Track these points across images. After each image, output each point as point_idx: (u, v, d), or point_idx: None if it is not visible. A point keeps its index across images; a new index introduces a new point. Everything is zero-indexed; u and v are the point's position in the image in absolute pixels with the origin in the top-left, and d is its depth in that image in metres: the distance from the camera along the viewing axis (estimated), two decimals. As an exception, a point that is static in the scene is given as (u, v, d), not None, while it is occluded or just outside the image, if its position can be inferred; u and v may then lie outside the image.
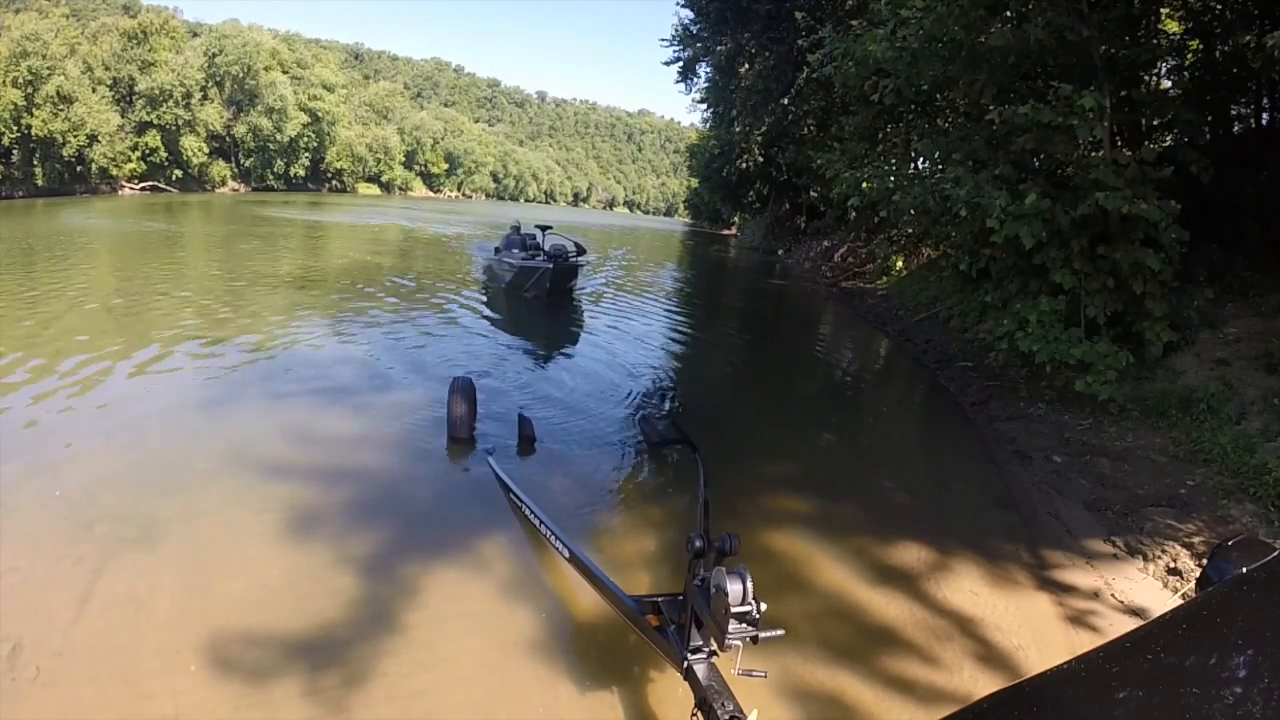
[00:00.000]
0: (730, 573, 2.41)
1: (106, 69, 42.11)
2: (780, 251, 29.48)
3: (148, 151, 42.94)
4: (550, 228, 13.19)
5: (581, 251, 12.42)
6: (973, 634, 3.62)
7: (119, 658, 2.88)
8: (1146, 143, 7.74)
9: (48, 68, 36.20)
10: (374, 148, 66.68)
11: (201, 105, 46.27)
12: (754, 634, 2.36)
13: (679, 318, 13.30)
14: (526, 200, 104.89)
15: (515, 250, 12.60)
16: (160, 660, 2.89)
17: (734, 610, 2.35)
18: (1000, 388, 8.04)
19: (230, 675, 2.85)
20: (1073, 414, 6.85)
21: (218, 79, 48.54)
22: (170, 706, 2.67)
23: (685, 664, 2.65)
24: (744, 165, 30.46)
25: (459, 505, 4.55)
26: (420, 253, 21.19)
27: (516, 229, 13.46)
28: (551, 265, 10.82)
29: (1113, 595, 4.03)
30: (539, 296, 11.28)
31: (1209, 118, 9.09)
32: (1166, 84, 9.66)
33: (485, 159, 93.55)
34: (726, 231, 47.42)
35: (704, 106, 31.74)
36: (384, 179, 68.96)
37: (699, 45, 26.98)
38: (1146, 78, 8.68)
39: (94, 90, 39.88)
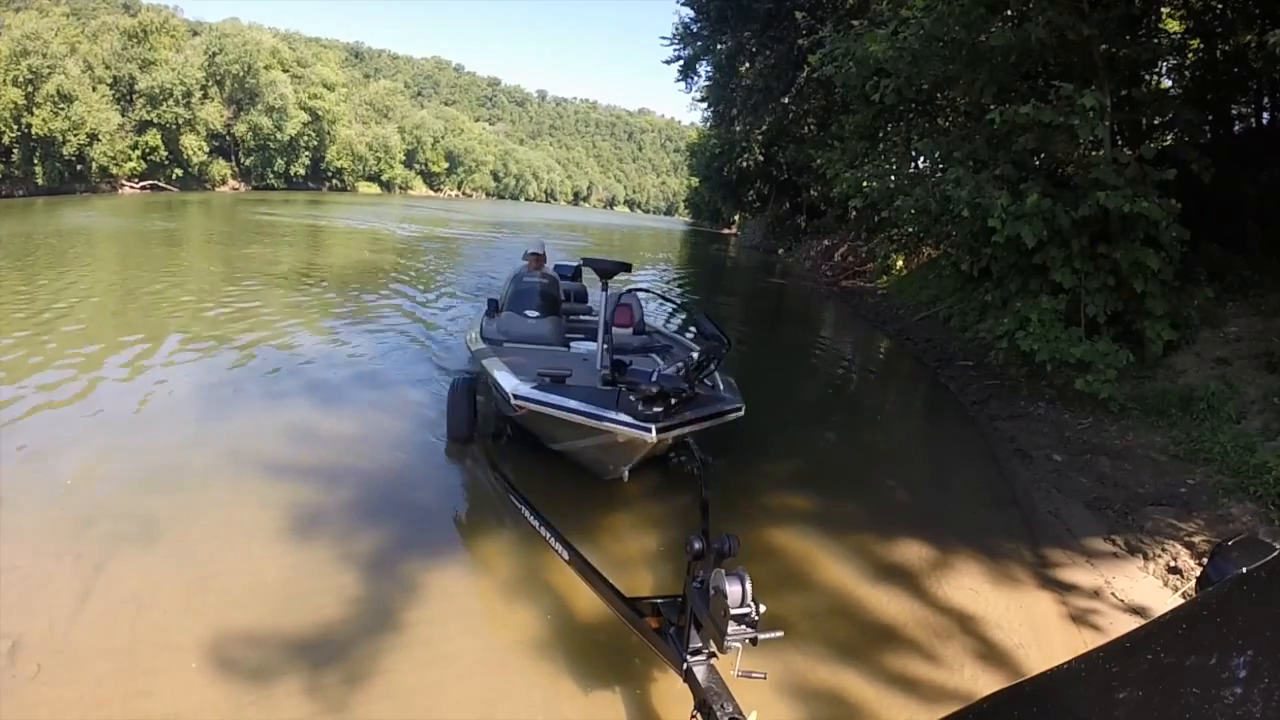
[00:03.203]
0: (729, 575, 2.42)
1: (107, 68, 42.08)
2: (781, 250, 29.46)
3: (148, 150, 42.94)
4: (626, 270, 5.37)
5: (720, 350, 4.43)
6: (973, 632, 3.62)
7: (119, 655, 2.88)
8: (1147, 142, 7.74)
9: (48, 66, 36.16)
10: (374, 146, 66.64)
11: (202, 104, 46.23)
12: (753, 636, 2.36)
13: (679, 316, 13.28)
14: (527, 199, 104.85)
15: (530, 316, 5.97)
16: (160, 658, 2.89)
17: (733, 612, 2.35)
18: (1000, 386, 8.04)
19: (231, 673, 2.85)
20: (1073, 413, 6.85)
21: (218, 78, 48.50)
22: (170, 704, 2.67)
23: (685, 666, 2.65)
24: (744, 164, 30.48)
25: (459, 505, 4.56)
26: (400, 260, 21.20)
27: (539, 256, 6.70)
28: (652, 429, 3.64)
29: (1113, 594, 4.03)
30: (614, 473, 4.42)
31: (1209, 117, 9.09)
32: (1167, 83, 9.67)
33: (485, 158, 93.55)
34: (727, 230, 47.41)
35: (704, 105, 31.74)
36: (384, 178, 68.90)
37: (699, 44, 26.98)
38: (1147, 77, 8.68)
39: (94, 89, 39.86)
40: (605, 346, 5.23)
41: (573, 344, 6.02)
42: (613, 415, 3.68)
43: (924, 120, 11.92)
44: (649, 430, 3.59)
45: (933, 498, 5.51)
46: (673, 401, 3.67)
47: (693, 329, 5.75)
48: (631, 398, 3.63)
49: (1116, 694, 0.78)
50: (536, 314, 6.06)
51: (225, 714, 2.67)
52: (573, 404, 3.84)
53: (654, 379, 3.55)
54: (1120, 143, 7.69)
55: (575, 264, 8.11)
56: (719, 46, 25.77)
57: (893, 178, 10.20)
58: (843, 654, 3.32)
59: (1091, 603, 3.95)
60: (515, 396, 4.19)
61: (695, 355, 5.13)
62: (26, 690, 2.67)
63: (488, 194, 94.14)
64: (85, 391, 5.91)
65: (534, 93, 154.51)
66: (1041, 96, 6.99)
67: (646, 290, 5.44)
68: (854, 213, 15.25)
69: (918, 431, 7.76)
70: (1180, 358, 6.95)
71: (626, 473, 4.12)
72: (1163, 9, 8.76)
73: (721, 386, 4.73)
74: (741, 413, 4.56)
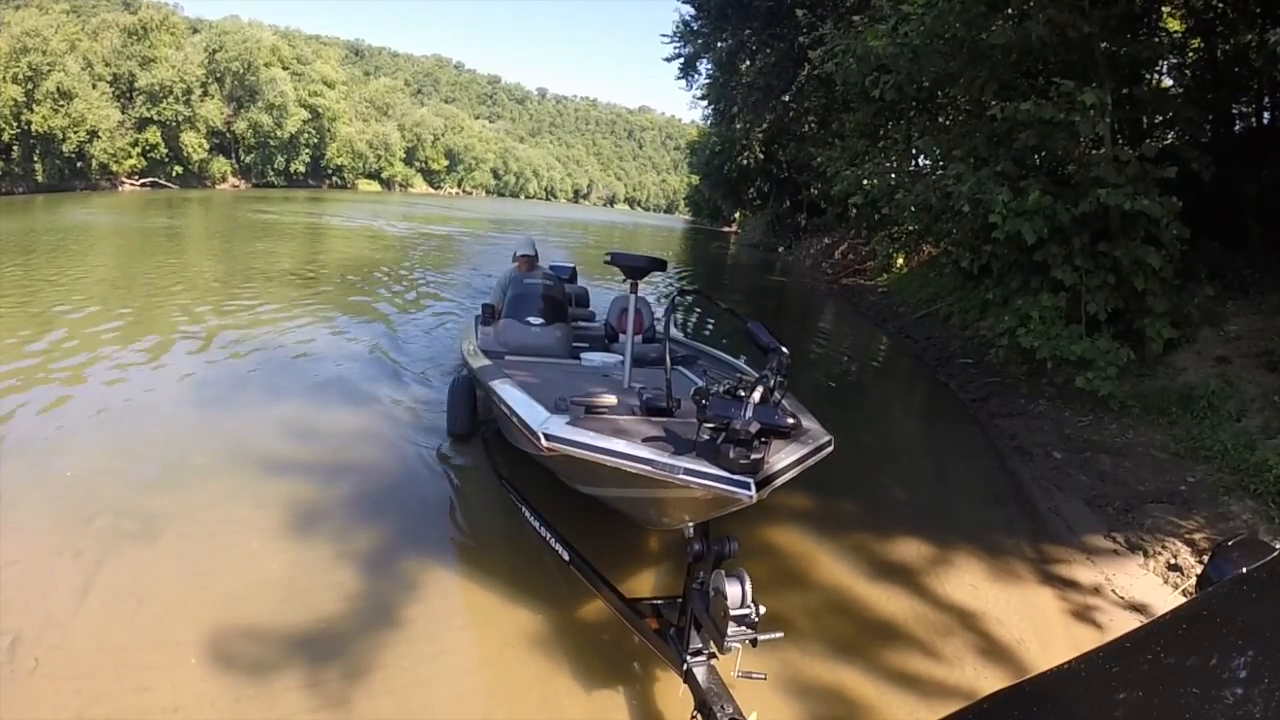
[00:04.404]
0: (729, 575, 2.42)
1: (107, 65, 42.00)
2: (781, 249, 29.44)
3: (148, 148, 42.87)
4: (660, 269, 4.20)
5: (784, 363, 2.80)
6: (974, 628, 3.62)
7: (118, 651, 2.88)
8: (1148, 140, 7.73)
9: (48, 64, 36.10)
10: (374, 144, 66.57)
11: (202, 101, 46.15)
12: (753, 636, 2.37)
13: (680, 314, 13.26)
14: (527, 197, 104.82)
15: (532, 324, 5.39)
16: (160, 653, 2.89)
17: (733, 613, 2.35)
18: (1001, 384, 8.04)
19: (230, 668, 2.86)
20: (1073, 410, 6.85)
21: (218, 75, 48.45)
22: (170, 699, 2.67)
23: (685, 667, 2.64)
24: (745, 162, 30.47)
25: (459, 503, 4.55)
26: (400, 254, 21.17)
27: (530, 258, 6.17)
28: (752, 486, 2.48)
29: (1113, 591, 4.04)
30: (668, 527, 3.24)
31: (1210, 116, 9.08)
32: (1168, 82, 9.64)
33: (485, 155, 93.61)
34: (727, 228, 47.37)
35: (705, 103, 31.65)
36: (384, 175, 68.85)
37: (700, 42, 26.89)
38: (1148, 75, 8.66)
39: (94, 86, 39.77)
40: (652, 360, 4.48)
41: (582, 355, 5.26)
42: (693, 465, 2.52)
43: (925, 118, 11.90)
44: (748, 487, 2.44)
45: (933, 495, 5.51)
46: (763, 441, 2.52)
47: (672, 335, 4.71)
48: (705, 436, 2.59)
49: (1116, 694, 0.78)
50: (540, 321, 5.35)
51: (224, 709, 2.67)
52: (639, 452, 2.69)
53: (748, 414, 2.43)
54: (1121, 141, 7.68)
55: (571, 265, 7.84)
56: (719, 44, 25.70)
57: (893, 175, 10.19)
58: (843, 652, 3.32)
59: (1092, 599, 3.96)
60: (548, 437, 2.96)
61: (739, 368, 4.80)
62: (25, 685, 2.67)
63: (488, 191, 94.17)
64: (85, 387, 5.90)
65: (534, 90, 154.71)
66: (1042, 94, 6.99)
67: (699, 293, 4.24)
68: (854, 211, 15.23)
69: (917, 429, 7.76)
70: (1180, 356, 6.95)
71: (693, 529, 2.92)
72: (1163, 7, 8.74)
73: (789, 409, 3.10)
74: (832, 447, 3.40)
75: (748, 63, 25.02)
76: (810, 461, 3.10)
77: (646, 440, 2.85)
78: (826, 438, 3.37)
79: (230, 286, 11.03)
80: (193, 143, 45.35)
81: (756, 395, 2.49)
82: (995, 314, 8.62)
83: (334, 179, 62.20)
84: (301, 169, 56.25)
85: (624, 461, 2.71)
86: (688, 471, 2.52)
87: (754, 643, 2.38)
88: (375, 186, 67.20)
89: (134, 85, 43.00)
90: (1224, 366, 6.53)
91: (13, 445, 4.67)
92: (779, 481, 2.75)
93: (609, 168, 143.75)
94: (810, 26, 17.23)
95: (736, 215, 43.98)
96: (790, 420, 2.60)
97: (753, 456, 2.48)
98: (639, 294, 4.28)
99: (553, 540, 3.60)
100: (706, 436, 2.57)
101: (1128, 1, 7.31)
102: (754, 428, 2.43)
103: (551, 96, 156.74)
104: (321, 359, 7.26)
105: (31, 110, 35.68)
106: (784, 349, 2.88)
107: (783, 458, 2.83)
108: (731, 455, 2.47)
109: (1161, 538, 4.50)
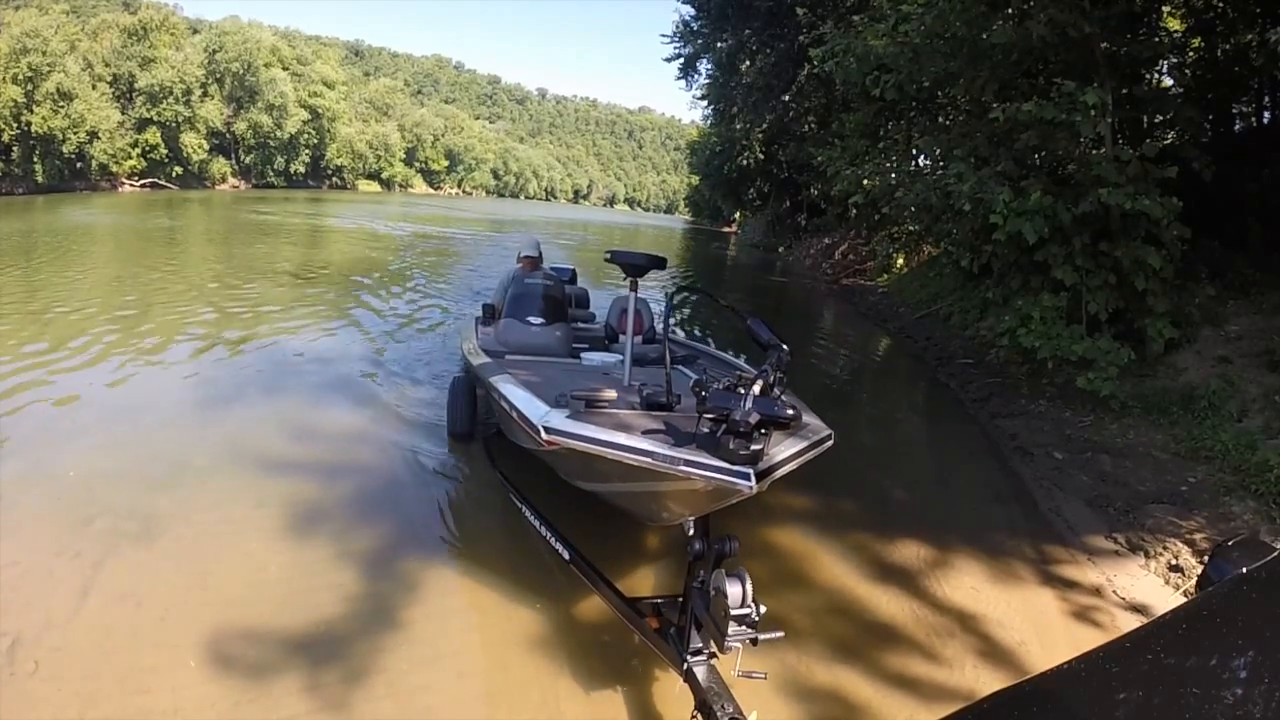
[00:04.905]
0: (730, 575, 2.41)
1: (107, 65, 42.07)
2: (781, 249, 29.45)
3: (148, 148, 42.91)
4: (660, 267, 4.03)
5: (784, 358, 2.78)
6: (974, 630, 3.62)
7: (118, 653, 2.88)
8: (1148, 139, 7.72)
9: (48, 64, 36.17)
10: (374, 145, 66.63)
11: (202, 102, 46.22)
12: (753, 636, 2.37)
13: (680, 313, 13.25)
14: (527, 197, 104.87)
15: (533, 323, 5.43)
16: (159, 655, 2.89)
17: (733, 612, 2.35)
18: (1001, 384, 8.03)
19: (229, 670, 2.86)
20: (1074, 411, 6.84)
21: (218, 75, 48.50)
22: (169, 701, 2.67)
23: (685, 666, 2.64)
24: (745, 162, 30.44)
25: (459, 503, 4.55)
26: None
27: (534, 259, 6.16)
28: (751, 476, 2.46)
29: (1114, 592, 4.03)
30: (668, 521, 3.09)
31: (1210, 115, 9.09)
32: (1168, 81, 9.65)
33: (485, 156, 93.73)
34: (727, 229, 47.43)
35: (705, 103, 31.69)
36: (384, 176, 68.89)
37: (700, 42, 26.91)
38: (1148, 75, 8.66)
39: (94, 87, 39.86)
40: (653, 359, 4.67)
41: (582, 355, 5.28)
42: (693, 456, 2.51)
43: (925, 118, 11.90)
44: (748, 478, 2.42)
45: (933, 496, 5.51)
46: (763, 433, 2.52)
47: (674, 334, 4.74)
48: (705, 430, 2.59)
49: (1116, 694, 0.78)
50: (540, 320, 5.40)
51: (223, 711, 2.67)
52: (639, 444, 2.68)
53: (747, 405, 2.42)
54: (1121, 140, 7.68)
55: (571, 267, 7.89)
56: (719, 44, 25.71)
57: (893, 175, 10.19)
58: (843, 653, 3.31)
59: (1093, 600, 3.95)
60: (547, 430, 2.97)
61: (739, 367, 4.91)
62: (25, 687, 2.67)
63: (488, 192, 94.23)
64: (86, 388, 5.90)
65: (534, 90, 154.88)
66: (1043, 94, 6.99)
67: (699, 291, 3.96)
68: (854, 211, 15.24)
69: (918, 429, 7.75)
70: (1181, 356, 6.94)
71: (693, 523, 2.86)
72: (1164, 7, 8.75)
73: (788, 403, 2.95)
74: (831, 441, 3.37)
75: (748, 63, 25.02)
76: (810, 455, 3.09)
77: (646, 433, 2.83)
78: (826, 432, 3.35)
79: (230, 287, 11.03)
80: (192, 143, 45.40)
81: (756, 388, 2.48)
82: (996, 314, 8.61)
83: (334, 179, 62.23)
84: (301, 169, 56.28)
85: (624, 454, 2.70)
86: (687, 463, 2.51)
87: (754, 642, 2.38)
88: (375, 187, 67.25)
89: (134, 86, 43.06)
90: (1225, 366, 6.53)
91: (14, 445, 4.66)
92: (779, 473, 2.75)
93: (609, 168, 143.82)
94: (810, 26, 17.26)
95: (736, 215, 44.01)
96: (790, 411, 2.55)
97: (752, 448, 2.48)
98: (639, 294, 4.27)
99: (553, 539, 3.60)
100: (706, 429, 2.57)
101: (1128, 1, 7.31)
102: (753, 419, 2.42)
103: (551, 97, 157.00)
104: (321, 359, 7.26)
105: (31, 111, 35.72)
106: (784, 345, 2.87)
107: (782, 450, 2.83)
108: (731, 446, 2.46)
109: (1162, 538, 4.50)
